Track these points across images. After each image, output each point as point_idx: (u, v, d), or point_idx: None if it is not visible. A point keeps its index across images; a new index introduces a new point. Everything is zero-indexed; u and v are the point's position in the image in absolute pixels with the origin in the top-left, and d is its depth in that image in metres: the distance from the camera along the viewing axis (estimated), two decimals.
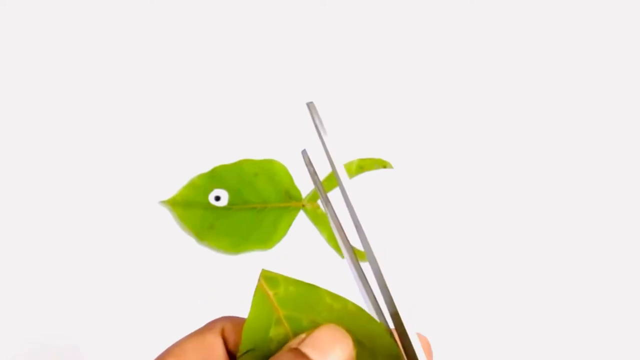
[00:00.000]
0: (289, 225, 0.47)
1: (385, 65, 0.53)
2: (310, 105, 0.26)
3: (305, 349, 0.23)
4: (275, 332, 0.25)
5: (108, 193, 0.48)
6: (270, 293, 0.26)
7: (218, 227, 0.47)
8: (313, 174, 0.27)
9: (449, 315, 0.46)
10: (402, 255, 0.47)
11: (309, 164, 0.27)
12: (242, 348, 0.25)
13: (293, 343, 0.24)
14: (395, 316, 0.24)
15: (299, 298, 0.26)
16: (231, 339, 0.26)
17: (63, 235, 0.47)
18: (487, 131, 0.51)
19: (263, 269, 0.26)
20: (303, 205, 0.47)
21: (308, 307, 0.25)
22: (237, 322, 0.27)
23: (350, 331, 0.25)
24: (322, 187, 0.27)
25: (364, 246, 0.24)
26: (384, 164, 0.49)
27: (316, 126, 0.26)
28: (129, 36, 0.52)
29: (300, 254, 0.46)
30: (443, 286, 0.46)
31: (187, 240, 0.47)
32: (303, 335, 0.24)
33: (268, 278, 0.26)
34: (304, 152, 0.28)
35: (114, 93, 0.51)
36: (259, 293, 0.26)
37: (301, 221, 0.47)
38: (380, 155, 0.49)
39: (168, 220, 0.48)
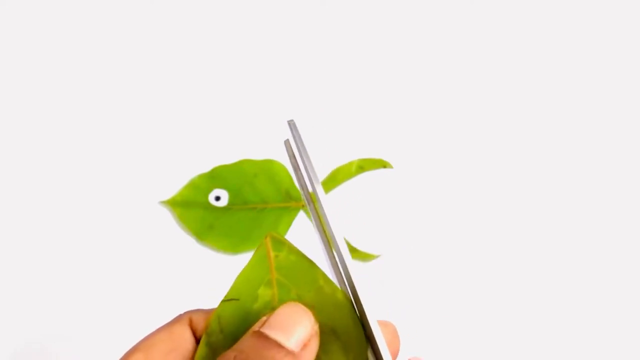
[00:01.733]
0: (289, 225, 0.47)
1: (385, 66, 0.53)
2: (290, 123, 0.26)
3: (268, 330, 0.23)
4: (263, 292, 0.26)
5: (108, 193, 0.48)
6: (272, 254, 0.26)
7: (218, 227, 0.47)
8: (296, 168, 0.27)
9: (447, 315, 0.46)
10: (396, 256, 0.47)
11: (292, 156, 0.27)
12: (228, 295, 0.26)
13: (255, 326, 0.24)
14: (357, 302, 0.25)
15: (295, 269, 0.26)
16: (200, 329, 0.26)
17: (63, 235, 0.47)
18: (486, 131, 0.51)
19: (271, 232, 0.26)
20: (303, 205, 0.47)
21: (300, 280, 0.26)
22: (205, 312, 0.27)
23: (329, 318, 0.25)
24: (305, 183, 0.27)
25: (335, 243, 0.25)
26: (384, 164, 0.49)
27: (296, 143, 0.26)
28: (129, 36, 0.52)
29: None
30: (442, 286, 0.46)
31: (187, 240, 0.47)
32: (264, 318, 0.24)
33: (275, 239, 0.26)
34: (286, 143, 0.27)
35: (114, 93, 0.51)
36: (261, 251, 0.26)
37: (301, 221, 0.47)
38: (380, 155, 0.49)
39: (168, 220, 0.48)
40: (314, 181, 0.26)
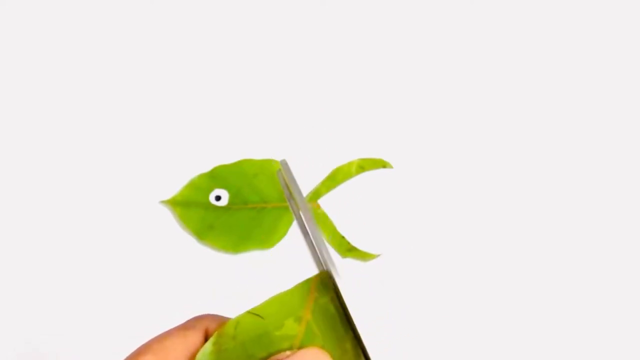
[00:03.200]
0: (289, 225, 0.47)
1: (385, 66, 0.53)
2: (282, 163, 0.26)
3: None
4: (289, 325, 0.25)
5: (108, 193, 0.48)
6: (313, 295, 0.25)
7: (218, 227, 0.47)
8: (289, 197, 0.26)
9: (447, 315, 0.46)
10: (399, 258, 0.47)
11: (284, 186, 0.27)
12: (255, 310, 0.25)
13: (279, 356, 0.24)
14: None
15: (329, 321, 0.25)
16: None
17: (63, 234, 0.47)
18: (486, 131, 0.51)
19: (325, 271, 0.26)
20: None
21: (329, 333, 0.25)
22: (222, 323, 0.26)
23: None
24: (298, 210, 0.26)
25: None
26: (384, 164, 0.49)
27: (287, 184, 0.26)
28: (129, 36, 0.52)
29: (300, 254, 0.46)
30: (442, 286, 0.46)
31: (187, 240, 0.47)
32: (288, 352, 0.24)
33: (324, 282, 0.26)
34: (279, 173, 0.27)
35: (114, 93, 0.51)
36: (306, 285, 0.26)
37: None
38: (380, 155, 0.49)
39: (168, 220, 0.48)
40: (305, 219, 0.25)
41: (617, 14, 0.55)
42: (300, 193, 0.25)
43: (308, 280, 0.26)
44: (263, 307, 0.25)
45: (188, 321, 0.26)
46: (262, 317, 0.25)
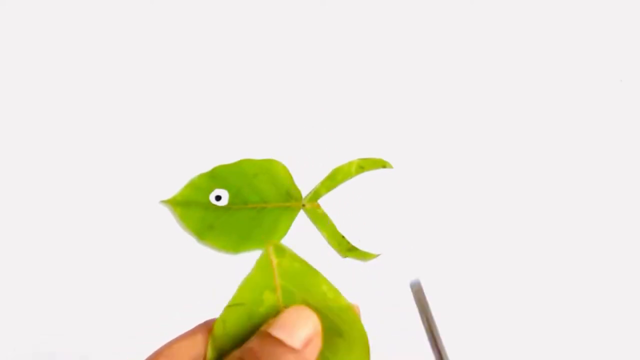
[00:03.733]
0: (289, 225, 0.47)
1: (385, 66, 0.53)
2: (416, 285, 0.30)
3: (272, 330, 0.25)
4: (268, 297, 0.27)
5: (108, 193, 0.48)
6: (275, 261, 0.28)
7: (218, 227, 0.47)
8: (423, 319, 0.30)
9: (447, 315, 0.46)
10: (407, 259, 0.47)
11: (420, 309, 0.30)
12: (232, 301, 0.27)
13: (262, 328, 0.25)
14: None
15: (299, 275, 0.27)
16: None
17: (63, 235, 0.47)
18: (487, 131, 0.51)
19: (272, 241, 0.28)
20: (303, 205, 0.47)
21: (304, 286, 0.27)
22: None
23: (334, 320, 0.27)
24: (433, 331, 0.30)
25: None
26: (384, 164, 0.49)
27: (424, 310, 0.29)
28: (129, 36, 0.53)
29: (301, 253, 0.46)
30: (442, 286, 0.46)
31: (187, 240, 0.47)
32: (271, 320, 0.26)
33: (277, 247, 0.28)
34: (413, 294, 0.31)
35: (114, 93, 0.51)
36: (264, 259, 0.28)
37: (301, 221, 0.47)
38: (380, 155, 0.49)
39: (168, 220, 0.48)
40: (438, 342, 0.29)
41: (616, 14, 0.55)
42: (432, 317, 0.31)
43: (263, 253, 0.28)
44: (238, 295, 0.27)
45: (196, 327, 0.27)
46: (242, 304, 0.27)
